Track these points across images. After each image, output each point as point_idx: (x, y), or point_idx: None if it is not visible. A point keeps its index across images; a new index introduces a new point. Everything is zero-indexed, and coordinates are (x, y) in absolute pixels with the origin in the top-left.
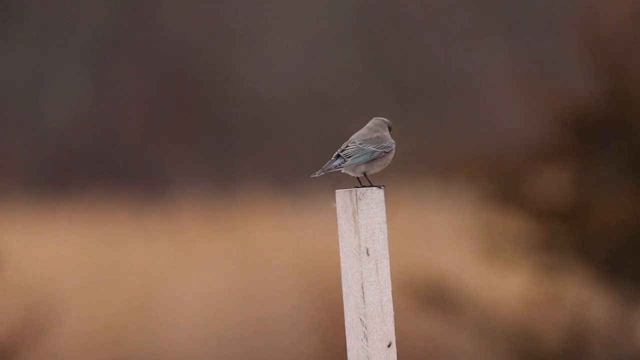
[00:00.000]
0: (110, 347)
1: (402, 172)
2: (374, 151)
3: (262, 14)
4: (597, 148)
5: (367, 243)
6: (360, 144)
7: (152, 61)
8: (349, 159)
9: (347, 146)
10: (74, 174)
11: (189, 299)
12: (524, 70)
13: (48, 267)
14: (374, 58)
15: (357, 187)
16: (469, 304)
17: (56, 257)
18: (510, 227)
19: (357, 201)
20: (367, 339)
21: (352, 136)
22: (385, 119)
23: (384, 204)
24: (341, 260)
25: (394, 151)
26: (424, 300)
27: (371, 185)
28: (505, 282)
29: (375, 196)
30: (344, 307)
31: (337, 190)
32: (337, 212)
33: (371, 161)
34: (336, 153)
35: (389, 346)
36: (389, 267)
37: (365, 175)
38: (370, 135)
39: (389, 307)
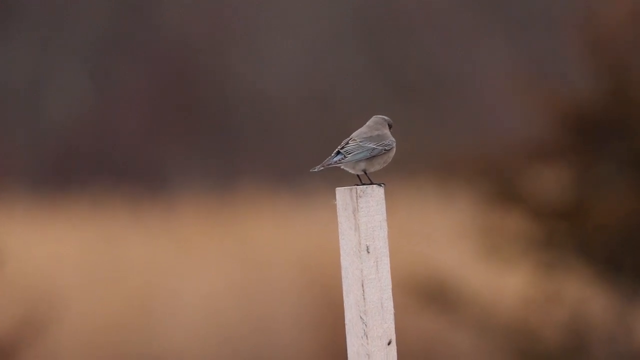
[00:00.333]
0: (110, 345)
1: (402, 170)
2: (374, 148)
3: (262, 13)
4: (596, 147)
5: (367, 241)
6: (360, 141)
7: (152, 60)
8: (349, 155)
9: (348, 143)
10: (74, 173)
11: (189, 297)
12: (524, 70)
13: (48, 265)
14: (374, 58)
15: (357, 185)
16: (469, 302)
17: (56, 255)
18: (509, 225)
19: (357, 199)
20: (367, 336)
21: (353, 134)
22: (386, 117)
23: (384, 201)
24: (341, 258)
25: (394, 149)
26: (423, 298)
27: (371, 183)
28: (505, 280)
29: (375, 194)
30: (344, 304)
31: (337, 188)
32: (337, 209)
33: (371, 159)
34: (336, 150)
35: (389, 344)
36: (389, 265)
37: (365, 173)
38: (371, 133)
39: (389, 305)
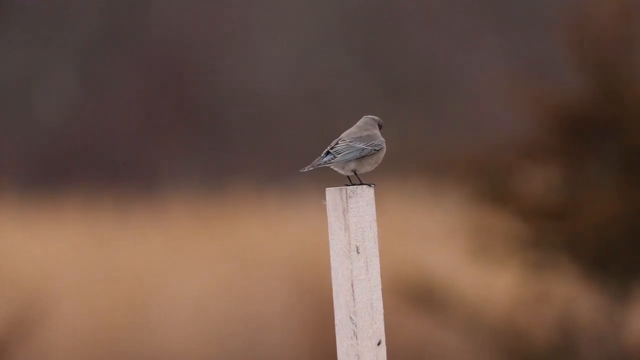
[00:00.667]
0: (101, 344)
1: (391, 170)
2: (364, 149)
3: (254, 13)
4: (586, 147)
5: (357, 241)
6: (350, 141)
7: (144, 60)
8: (339, 155)
9: (337, 143)
10: (64, 172)
11: (179, 296)
12: (514, 70)
13: (39, 265)
14: (367, 57)
15: (347, 186)
16: (458, 303)
17: (47, 254)
18: (499, 225)
19: (347, 199)
20: (356, 337)
21: (343, 134)
22: (376, 117)
23: (374, 202)
24: (331, 258)
25: (384, 150)
26: (413, 298)
27: (361, 184)
28: (494, 280)
29: (365, 194)
30: (334, 305)
31: (327, 189)
32: (327, 210)
33: (361, 159)
34: (326, 150)
35: (378, 344)
36: (379, 265)
37: (355, 173)
38: (361, 133)
39: (379, 305)
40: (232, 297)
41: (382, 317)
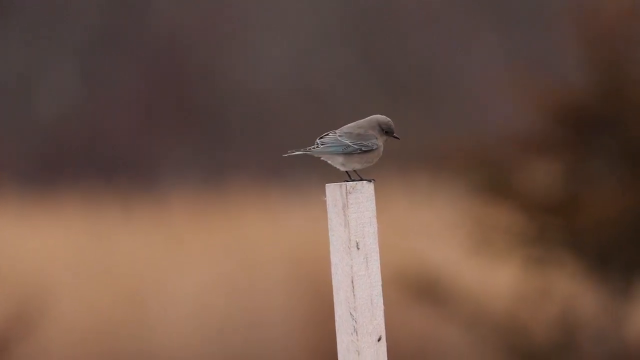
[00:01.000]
0: (101, 340)
1: (392, 165)
2: (349, 146)
3: (253, 11)
4: (588, 142)
5: (357, 237)
6: (339, 135)
7: (143, 57)
8: (322, 146)
9: (328, 134)
10: (64, 169)
11: (179, 292)
12: (516, 64)
13: (39, 261)
14: (366, 54)
15: (347, 181)
16: (459, 298)
17: (47, 251)
18: (500, 220)
19: (347, 195)
20: (357, 333)
21: (343, 127)
22: (384, 121)
23: (374, 197)
24: (331, 254)
25: (378, 152)
26: (414, 293)
27: (361, 179)
28: (496, 275)
29: (365, 190)
30: (334, 301)
31: (327, 184)
32: (327, 205)
33: (348, 156)
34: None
35: (378, 340)
36: (379, 261)
37: (353, 169)
38: (353, 130)
39: (379, 301)
40: (232, 293)
41: (382, 313)
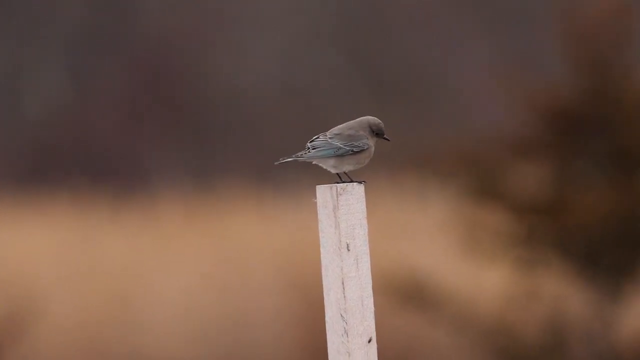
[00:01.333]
0: (91, 340)
1: (381, 167)
2: (340, 148)
3: (243, 10)
4: (576, 144)
5: (347, 238)
6: (330, 138)
7: (132, 57)
8: (313, 150)
9: (318, 137)
10: (52, 168)
11: (168, 293)
12: (505, 66)
13: (28, 262)
14: (355, 55)
15: (338, 183)
16: (448, 300)
17: (35, 251)
18: (489, 222)
19: (337, 196)
20: (347, 334)
21: (333, 128)
22: (375, 122)
23: (364, 199)
24: (321, 255)
25: (369, 153)
26: (403, 295)
27: (351, 181)
28: (485, 277)
29: (355, 191)
30: (325, 302)
31: (317, 186)
32: (318, 207)
33: (340, 158)
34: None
35: (369, 341)
36: (369, 263)
37: (344, 171)
38: (343, 131)
39: (370, 303)
40: (222, 294)
41: (372, 314)
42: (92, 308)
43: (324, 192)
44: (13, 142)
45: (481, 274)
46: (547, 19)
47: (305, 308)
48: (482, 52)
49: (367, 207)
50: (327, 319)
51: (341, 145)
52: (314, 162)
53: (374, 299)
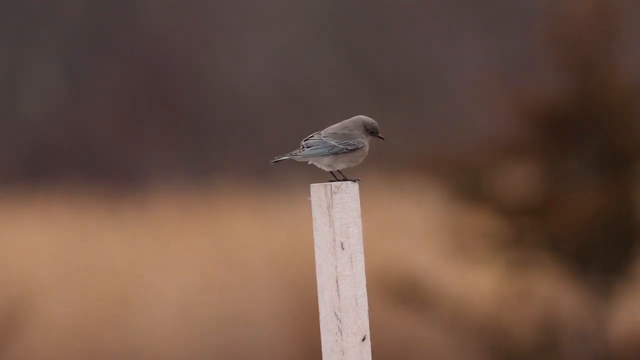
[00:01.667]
0: (87, 339)
1: (375, 167)
2: (335, 146)
3: (240, 10)
4: (565, 145)
5: (341, 237)
6: (324, 136)
7: (128, 56)
8: (307, 149)
9: (312, 136)
10: (49, 168)
11: (165, 292)
12: (494, 69)
13: (24, 261)
14: (352, 55)
15: (332, 181)
16: (441, 300)
17: (32, 250)
18: (480, 223)
19: (331, 195)
20: (341, 332)
21: (327, 127)
22: (369, 122)
23: (358, 198)
24: (316, 254)
25: (363, 151)
26: (396, 296)
27: (345, 180)
28: (477, 278)
29: (350, 190)
30: (319, 300)
31: (312, 184)
32: (312, 205)
33: (334, 156)
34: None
35: (363, 340)
36: (363, 261)
37: (338, 169)
38: (338, 130)
39: (364, 301)
40: (218, 293)
41: (366, 313)
42: (90, 307)
43: (318, 191)
44: (11, 141)
45: (473, 274)
46: (535, 22)
47: (302, 307)
48: (480, 53)
49: (361, 205)
50: (321, 317)
51: (335, 144)
52: (309, 162)
53: (368, 297)
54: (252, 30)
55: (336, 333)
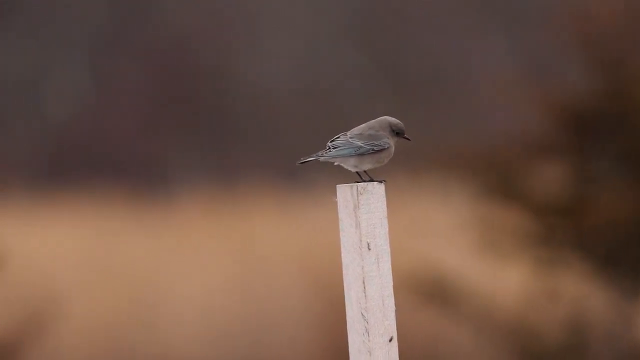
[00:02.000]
0: (112, 341)
1: (401, 167)
2: (361, 147)
3: (263, 10)
4: (594, 144)
5: (368, 238)
6: (350, 137)
7: (153, 55)
8: (334, 150)
9: (339, 137)
10: (74, 170)
11: (189, 294)
12: (522, 67)
13: (49, 263)
14: (374, 54)
15: (358, 182)
16: (469, 299)
17: (57, 252)
18: (508, 221)
19: (358, 196)
20: (368, 333)
21: (353, 128)
22: (395, 122)
23: (384, 198)
24: (342, 255)
25: (389, 152)
26: (423, 295)
27: (371, 180)
28: (505, 276)
29: (376, 191)
30: (345, 301)
31: (337, 185)
32: (338, 206)
33: (360, 157)
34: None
35: (390, 341)
36: (390, 262)
37: (364, 170)
38: (364, 131)
39: (391, 302)
40: (243, 294)
41: (393, 313)
42: (113, 309)
43: (344, 192)
44: (36, 142)
45: (501, 273)
46: (562, 20)
47: (327, 308)
48: (505, 51)
49: (387, 206)
50: (347, 318)
51: (362, 145)
52: (335, 163)
53: (394, 298)
54: (275, 30)
55: (363, 334)
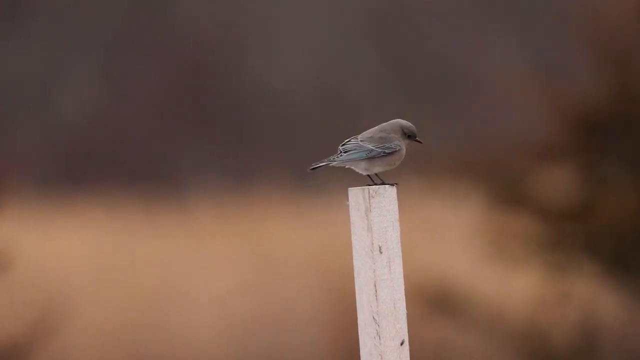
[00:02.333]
0: (123, 344)
1: (411, 170)
2: (372, 150)
3: (276, 11)
4: (603, 147)
5: (379, 241)
6: (361, 140)
7: (166, 58)
8: (346, 153)
9: (350, 141)
10: (87, 171)
11: (202, 296)
12: (532, 70)
13: (61, 265)
14: (387, 56)
15: (370, 185)
16: (479, 304)
17: (69, 255)
18: (518, 226)
19: (369, 199)
20: (379, 337)
21: (365, 132)
22: (407, 125)
23: (396, 201)
24: (354, 258)
25: (400, 154)
26: (433, 300)
27: (383, 183)
28: (515, 281)
29: (387, 194)
30: (357, 305)
31: (349, 188)
32: (350, 210)
33: (371, 160)
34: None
35: (401, 344)
36: (401, 266)
37: (375, 173)
38: (375, 134)
39: (402, 306)
40: (256, 297)
41: (405, 317)
42: (126, 311)
43: (356, 195)
44: (49, 144)
45: (511, 278)
46: (572, 22)
47: (340, 311)
48: (517, 54)
49: (399, 209)
50: (359, 321)
51: (373, 148)
52: (347, 166)
53: (406, 301)
54: (289, 30)
55: (374, 337)
